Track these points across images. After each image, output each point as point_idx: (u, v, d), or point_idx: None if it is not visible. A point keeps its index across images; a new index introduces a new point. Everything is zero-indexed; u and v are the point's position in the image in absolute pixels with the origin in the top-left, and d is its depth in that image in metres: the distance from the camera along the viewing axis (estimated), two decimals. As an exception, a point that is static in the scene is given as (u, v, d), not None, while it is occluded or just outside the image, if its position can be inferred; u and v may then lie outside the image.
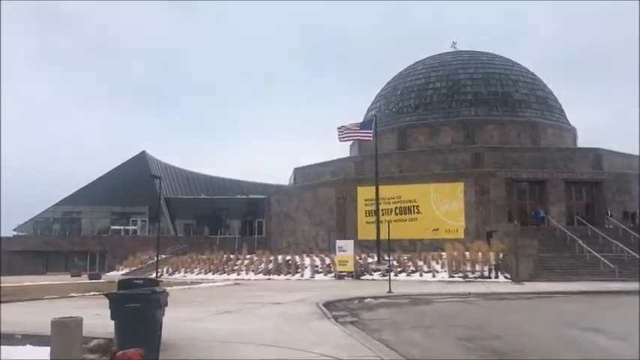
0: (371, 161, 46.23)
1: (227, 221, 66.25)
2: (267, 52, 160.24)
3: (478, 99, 52.83)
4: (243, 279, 34.74)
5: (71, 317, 7.94)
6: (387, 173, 42.61)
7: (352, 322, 13.63)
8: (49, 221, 67.11)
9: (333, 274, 33.73)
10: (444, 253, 33.80)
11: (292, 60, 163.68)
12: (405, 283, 28.14)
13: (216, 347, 9.32)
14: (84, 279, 39.45)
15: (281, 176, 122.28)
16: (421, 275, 31.74)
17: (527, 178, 43.03)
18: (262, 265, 37.42)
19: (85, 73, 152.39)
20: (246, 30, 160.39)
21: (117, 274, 44.51)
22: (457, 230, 41.81)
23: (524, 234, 35.32)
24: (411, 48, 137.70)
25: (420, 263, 33.21)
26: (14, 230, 65.52)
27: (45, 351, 8.41)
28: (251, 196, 67.32)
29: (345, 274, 32.81)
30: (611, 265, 30.94)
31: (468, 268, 31.71)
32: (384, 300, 19.76)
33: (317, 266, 35.65)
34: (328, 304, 17.55)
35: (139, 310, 7.95)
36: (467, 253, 32.67)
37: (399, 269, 32.40)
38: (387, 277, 31.06)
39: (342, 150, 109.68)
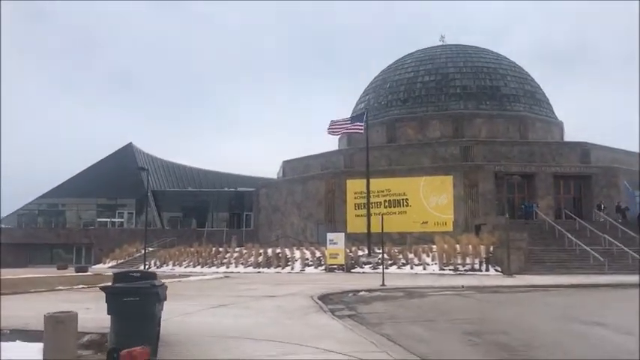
0: (360, 154, 46.08)
1: (215, 214, 65.69)
2: (255, 44, 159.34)
3: (467, 93, 52.80)
4: (232, 272, 34.42)
5: (65, 312, 7.60)
6: (376, 166, 42.43)
7: (350, 316, 13.40)
8: (34, 214, 66.09)
9: (323, 267, 33.53)
10: (434, 246, 33.74)
11: (281, 53, 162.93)
12: (397, 276, 27.99)
13: (216, 343, 9.02)
14: (70, 272, 38.83)
15: (269, 169, 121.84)
16: (412, 268, 31.65)
17: (516, 172, 43.04)
18: (252, 258, 37.11)
19: (68, 64, 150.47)
20: (234, 22, 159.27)
21: (103, 267, 43.98)
22: (446, 223, 41.82)
23: (513, 227, 35.33)
24: (399, 41, 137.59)
25: (411, 256, 33.12)
26: (-4, 223, 64.47)
27: (36, 347, 8.05)
28: (239, 189, 66.77)
29: (335, 267, 32.63)
30: (600, 258, 31.05)
31: (459, 261, 31.67)
32: (378, 293, 19.56)
33: (307, 259, 35.42)
34: (323, 298, 17.32)
35: (137, 305, 7.62)
36: (457, 246, 32.63)
37: (389, 262, 32.26)
38: (378, 270, 31.00)
39: (331, 143, 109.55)
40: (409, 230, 40.09)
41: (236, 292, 19.34)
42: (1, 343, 8.53)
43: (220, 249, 40.81)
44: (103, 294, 7.90)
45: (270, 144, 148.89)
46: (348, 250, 33.84)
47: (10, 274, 35.54)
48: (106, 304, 7.81)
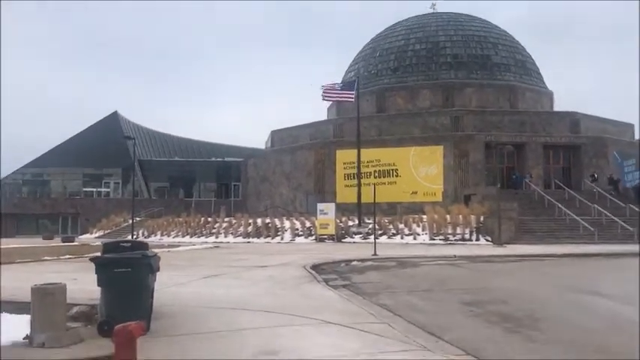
0: (350, 124, 45.61)
1: (202, 184, 65.20)
2: (243, 12, 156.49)
3: (457, 62, 52.26)
4: (222, 242, 34.16)
5: (54, 284, 7.25)
6: (366, 136, 42.02)
7: (345, 286, 13.20)
8: (18, 183, 65.13)
9: (313, 237, 33.39)
10: (424, 216, 33.66)
11: (269, 21, 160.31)
12: (388, 245, 27.88)
13: (211, 314, 8.73)
14: (56, 242, 38.36)
15: (257, 139, 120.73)
16: (402, 238, 31.60)
17: (507, 142, 42.82)
18: (241, 228, 36.86)
19: (52, 31, 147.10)
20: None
21: (90, 238, 43.54)
22: (435, 193, 41.72)
23: (503, 197, 35.31)
24: (389, 8, 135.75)
25: (401, 226, 33.04)
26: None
27: (24, 319, 7.70)
28: (227, 159, 66.22)
29: (326, 237, 32.49)
30: (590, 227, 31.18)
31: (449, 231, 31.66)
32: (371, 263, 19.39)
33: (297, 229, 35.24)
34: (315, 267, 17.10)
35: (129, 276, 7.27)
36: (448, 216, 32.57)
37: (380, 232, 32.14)
38: (369, 240, 30.91)
39: (319, 113, 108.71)
40: (399, 200, 39.94)
41: (227, 262, 19.06)
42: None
43: (209, 219, 40.48)
44: (91, 264, 7.55)
45: (258, 114, 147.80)
46: (338, 221, 33.69)
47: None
48: (94, 275, 7.47)
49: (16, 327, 7.45)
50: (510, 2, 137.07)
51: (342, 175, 43.66)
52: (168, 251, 25.50)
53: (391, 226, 33.09)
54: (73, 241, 38.32)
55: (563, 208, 34.68)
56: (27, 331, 7.00)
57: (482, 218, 32.26)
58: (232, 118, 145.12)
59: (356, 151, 36.64)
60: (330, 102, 43.40)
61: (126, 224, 44.64)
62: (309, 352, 6.24)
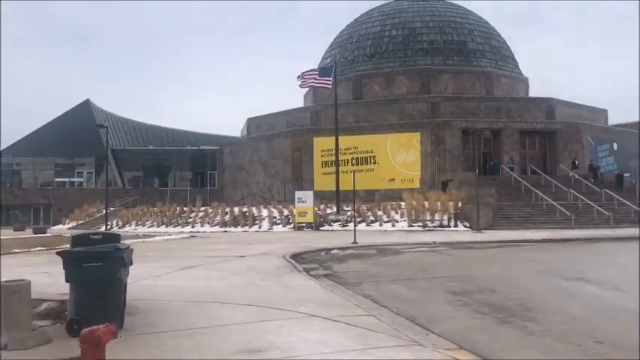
0: (327, 111, 45.19)
1: (177, 173, 64.29)
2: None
3: (434, 48, 52.09)
4: (198, 231, 33.58)
5: (19, 280, 6.75)
6: (343, 123, 41.64)
7: (326, 276, 12.88)
8: (-13, 174, 63.41)
9: (291, 226, 33.01)
10: (402, 203, 33.51)
11: (245, 7, 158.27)
12: (367, 233, 27.66)
13: (190, 308, 8.31)
14: (28, 233, 37.33)
15: (234, 127, 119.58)
16: (381, 225, 31.41)
17: (483, 128, 42.89)
18: (218, 217, 36.30)
19: (21, 18, 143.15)
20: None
21: (63, 228, 42.56)
22: (412, 180, 41.61)
23: (481, 183, 35.36)
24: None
25: (380, 213, 32.85)
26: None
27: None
28: (202, 147, 65.34)
29: (304, 225, 32.15)
30: (567, 212, 31.38)
31: (428, 218, 31.57)
32: (351, 251, 19.12)
33: (275, 218, 34.81)
34: (295, 257, 16.77)
35: (99, 271, 6.79)
36: (426, 202, 32.46)
37: (358, 220, 31.87)
38: (347, 228, 30.74)
39: (296, 100, 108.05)
40: (376, 187, 39.74)
41: (204, 252, 18.58)
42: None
43: (185, 208, 39.81)
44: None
45: (234, 102, 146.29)
46: (316, 208, 33.35)
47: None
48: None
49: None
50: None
51: (319, 163, 43.29)
52: (143, 242, 24.91)
53: (370, 214, 32.88)
54: (45, 233, 37.34)
55: (540, 193, 34.87)
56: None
57: (460, 204, 32.23)
58: (208, 106, 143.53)
59: (333, 138, 36.26)
60: (308, 88, 42.82)
61: (100, 214, 43.71)
62: (296, 350, 5.89)
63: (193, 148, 66.86)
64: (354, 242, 21.13)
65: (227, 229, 34.20)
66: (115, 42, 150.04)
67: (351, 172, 31.76)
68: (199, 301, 8.97)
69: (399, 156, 41.94)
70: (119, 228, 38.78)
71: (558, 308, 8.23)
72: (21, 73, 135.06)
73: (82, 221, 44.41)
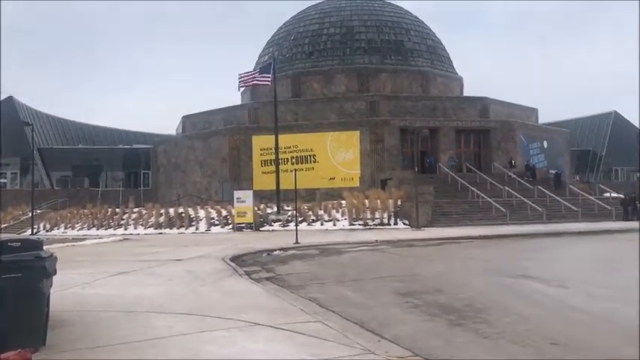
0: (265, 109, 44.54)
1: (109, 173, 61.88)
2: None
3: (372, 47, 52.36)
4: (132, 234, 32.25)
5: None
6: (282, 121, 41.08)
7: (269, 279, 12.40)
8: None
9: (230, 226, 32.24)
10: (343, 202, 33.38)
11: (179, 3, 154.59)
12: (308, 232, 27.31)
13: (121, 320, 7.64)
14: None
15: (168, 126, 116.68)
16: (322, 224, 31.16)
17: (421, 127, 43.37)
18: (153, 219, 35.01)
19: None
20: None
21: (-16, 233, 39.99)
22: (352, 179, 41.62)
23: (419, 181, 35.72)
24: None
25: (321, 212, 32.59)
26: None
27: None
28: (135, 146, 63.13)
29: (243, 225, 31.45)
30: (502, 209, 32.12)
31: (368, 216, 31.57)
32: (293, 252, 18.69)
33: (213, 218, 33.89)
34: (235, 259, 16.17)
35: (18, 283, 6.05)
36: (366, 201, 32.46)
37: (300, 219, 31.49)
38: (288, 228, 30.31)
39: (233, 97, 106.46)
40: (317, 186, 39.51)
41: (138, 256, 17.66)
42: None
43: (117, 209, 38.20)
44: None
45: (168, 99, 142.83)
46: (256, 208, 32.71)
47: None
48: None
49: None
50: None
51: (258, 162, 42.60)
52: (73, 245, 23.61)
53: (311, 213, 32.56)
54: (-37, 238, 34.88)
55: (476, 190, 35.56)
56: None
57: (399, 202, 32.41)
58: (141, 104, 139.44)
59: (273, 136, 35.70)
60: (247, 87, 41.97)
61: (25, 217, 41.36)
62: (239, 364, 5.40)
63: (126, 146, 64.54)
64: (296, 242, 20.72)
65: (162, 230, 33.03)
66: (42, 37, 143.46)
67: (291, 170, 31.32)
68: (132, 310, 8.31)
69: (339, 155, 41.86)
70: (47, 231, 36.78)
71: (508, 308, 8.10)
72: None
73: (5, 225, 41.83)
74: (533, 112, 54.62)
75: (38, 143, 55.05)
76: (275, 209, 33.48)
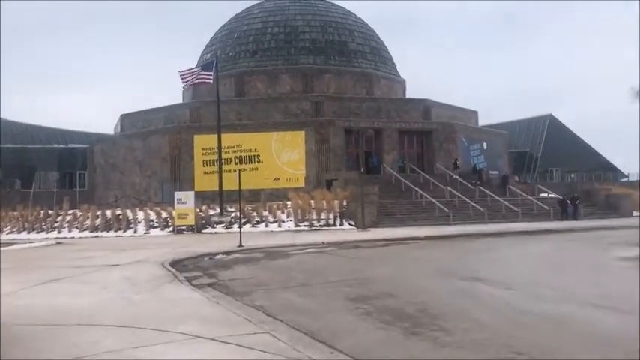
0: (207, 108, 43.46)
1: (43, 173, 59.03)
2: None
3: (316, 47, 52.12)
4: (66, 237, 30.58)
5: None
6: (225, 121, 40.12)
7: (211, 285, 11.74)
8: None
9: (171, 229, 31.11)
10: (288, 203, 32.85)
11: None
12: (252, 234, 26.62)
13: (45, 335, 6.86)
14: None
15: (105, 125, 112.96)
16: (267, 226, 30.50)
17: (366, 128, 43.36)
18: (88, 221, 33.38)
19: None
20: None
21: None
22: (297, 179, 41.17)
23: (364, 182, 35.62)
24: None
25: (265, 214, 31.91)
26: None
27: None
28: (71, 146, 60.55)
29: (184, 228, 30.40)
30: (445, 209, 32.39)
31: (314, 217, 31.16)
32: (237, 255, 17.99)
33: (152, 220, 32.64)
34: (175, 264, 15.36)
35: None
36: (312, 201, 32.05)
37: (243, 220, 30.73)
38: (231, 230, 29.57)
39: (174, 96, 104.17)
40: (261, 187, 38.74)
41: (71, 261, 16.57)
42: None
43: (50, 212, 36.27)
44: None
45: (105, 98, 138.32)
46: (198, 210, 31.71)
47: None
48: None
49: None
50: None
51: (200, 162, 41.48)
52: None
53: (255, 214, 31.84)
54: None
55: (419, 191, 35.78)
56: None
57: (345, 203, 32.17)
58: (76, 102, 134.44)
59: (215, 136, 34.77)
60: (188, 84, 40.75)
61: (-52, 221, 38.70)
62: (178, 387, 4.80)
63: (61, 146, 61.78)
64: (240, 245, 20.02)
65: (98, 233, 31.51)
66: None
67: (234, 171, 30.55)
68: (59, 323, 7.53)
69: (284, 155, 41.31)
70: (-28, 235, 34.53)
71: (463, 313, 7.79)
72: None
73: None
74: (474, 114, 55.71)
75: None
76: (218, 211, 32.58)
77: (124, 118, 51.74)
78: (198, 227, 30.54)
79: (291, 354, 5.75)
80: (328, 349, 6.13)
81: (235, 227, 28.90)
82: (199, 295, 9.93)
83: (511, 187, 39.47)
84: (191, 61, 58.25)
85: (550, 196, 39.24)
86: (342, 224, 30.68)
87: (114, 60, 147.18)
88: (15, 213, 36.86)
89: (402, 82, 57.85)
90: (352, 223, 30.66)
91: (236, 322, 7.43)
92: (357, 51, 53.84)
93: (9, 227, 35.38)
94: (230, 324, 7.31)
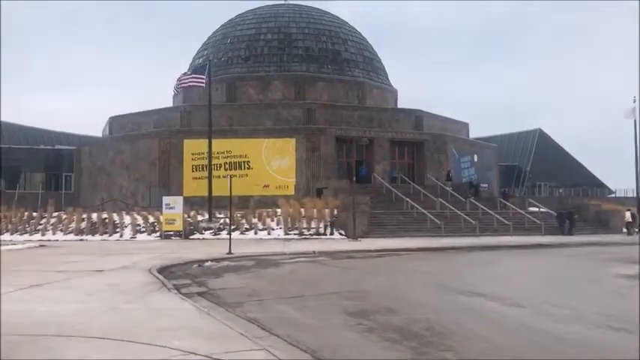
0: (198, 112, 42.95)
1: (28, 175, 58.00)
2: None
3: (309, 55, 51.84)
4: (50, 240, 29.87)
5: None
6: (216, 126, 39.54)
7: (201, 294, 11.26)
8: None
9: (158, 234, 30.49)
10: (278, 210, 32.38)
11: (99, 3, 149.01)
12: (241, 241, 26.10)
13: (23, 347, 6.36)
14: None
15: (95, 128, 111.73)
16: (256, 233, 29.99)
17: (357, 137, 43.06)
18: (73, 224, 32.66)
19: None
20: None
21: None
22: (287, 187, 40.71)
23: (354, 191, 35.26)
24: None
25: (255, 220, 31.42)
26: None
27: None
28: (57, 147, 59.60)
29: (172, 233, 29.81)
30: (437, 221, 32.07)
31: (304, 225, 30.71)
32: (227, 263, 17.49)
33: (139, 225, 32.01)
34: (163, 270, 14.88)
35: None
36: (302, 209, 31.59)
37: (232, 227, 30.19)
38: (220, 236, 29.08)
39: (164, 99, 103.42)
40: (251, 194, 38.27)
41: (55, 265, 15.99)
42: None
43: (35, 213, 35.50)
44: None
45: (93, 100, 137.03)
46: (186, 215, 31.15)
47: None
48: None
49: None
50: (348, 2, 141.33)
51: (190, 167, 40.91)
52: (-21, 253, 21.34)
53: (244, 221, 31.33)
54: None
55: (410, 201, 35.44)
56: None
57: (336, 212, 31.75)
58: (64, 103, 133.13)
59: (206, 141, 34.27)
60: (181, 87, 40.19)
61: None
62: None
63: (47, 147, 60.81)
64: (230, 252, 19.54)
65: (84, 237, 30.83)
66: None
67: (224, 176, 30.04)
68: (39, 334, 7.03)
69: (274, 162, 40.85)
70: (-48, 236, 33.64)
71: (470, 332, 7.38)
72: None
73: None
74: (465, 126, 55.65)
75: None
76: (206, 216, 32.03)
77: (113, 120, 51.02)
78: (186, 233, 29.98)
79: (293, 375, 5.31)
80: (332, 370, 5.69)
81: (224, 234, 28.38)
82: (189, 305, 9.45)
83: (503, 201, 39.29)
84: (182, 65, 57.74)
85: (540, 210, 39.08)
86: (332, 233, 30.25)
87: (103, 62, 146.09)
88: (-2, 214, 36.02)
89: (394, 92, 57.71)
90: (343, 232, 30.25)
91: (230, 337, 6.97)
92: (349, 60, 53.64)
93: (-9, 228, 34.53)
94: (224, 339, 6.86)
